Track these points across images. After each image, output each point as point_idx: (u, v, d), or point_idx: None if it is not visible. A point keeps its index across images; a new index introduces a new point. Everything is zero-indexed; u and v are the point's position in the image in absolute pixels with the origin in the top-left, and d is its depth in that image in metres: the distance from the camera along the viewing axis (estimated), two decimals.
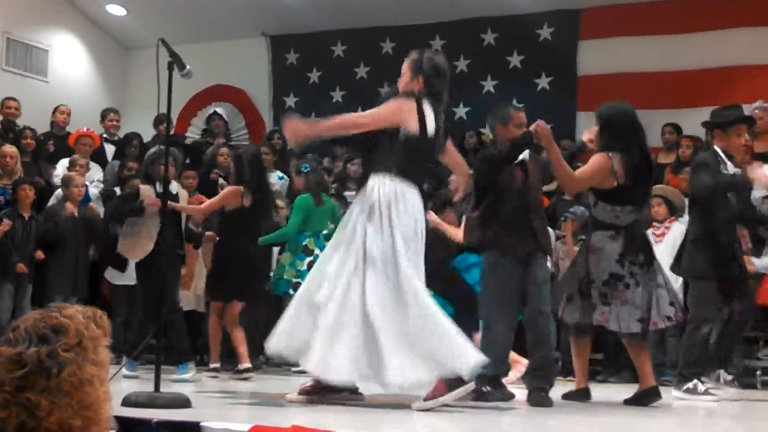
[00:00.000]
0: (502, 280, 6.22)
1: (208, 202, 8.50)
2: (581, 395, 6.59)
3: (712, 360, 7.20)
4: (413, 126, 5.47)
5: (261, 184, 8.49)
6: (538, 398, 6.13)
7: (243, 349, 8.28)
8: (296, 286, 8.64)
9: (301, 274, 8.76)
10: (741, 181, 7.11)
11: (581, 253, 6.52)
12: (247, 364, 8.20)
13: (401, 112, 5.49)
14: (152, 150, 8.65)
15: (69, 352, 2.05)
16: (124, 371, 7.54)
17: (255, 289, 8.66)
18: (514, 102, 12.68)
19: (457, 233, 7.99)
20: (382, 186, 5.45)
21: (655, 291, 6.32)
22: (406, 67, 5.74)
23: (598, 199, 6.36)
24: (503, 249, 6.24)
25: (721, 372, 7.29)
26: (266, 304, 9.76)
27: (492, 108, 6.87)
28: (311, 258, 8.90)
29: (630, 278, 6.23)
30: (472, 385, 5.35)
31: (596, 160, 6.33)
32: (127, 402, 4.86)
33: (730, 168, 7.24)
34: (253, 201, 8.30)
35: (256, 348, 9.65)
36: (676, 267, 7.38)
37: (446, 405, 5.31)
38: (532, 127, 6.21)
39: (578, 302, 6.36)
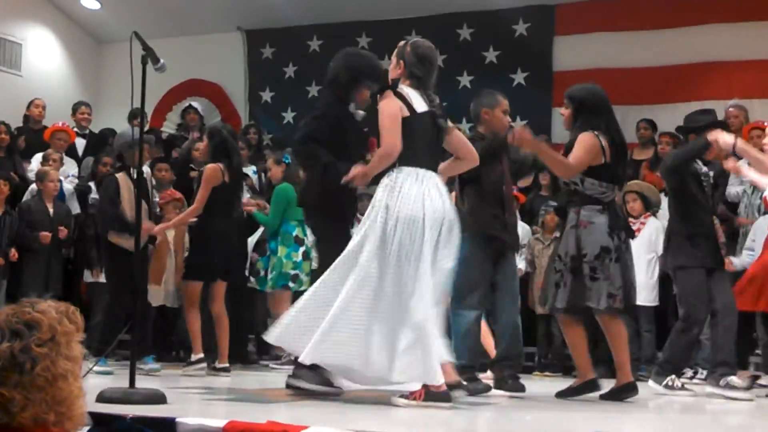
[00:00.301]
0: (474, 272, 6.35)
1: (197, 198, 8.16)
2: (589, 387, 6.44)
3: (724, 364, 7.19)
4: (404, 111, 5.48)
5: (236, 161, 8.40)
6: (515, 384, 6.49)
7: (225, 344, 8.19)
8: (294, 278, 8.68)
9: (298, 265, 8.76)
10: (704, 143, 7.10)
11: (571, 232, 6.34)
12: (225, 364, 8.14)
13: (395, 113, 5.46)
14: (125, 133, 8.47)
15: (42, 347, 2.03)
16: (96, 368, 7.48)
17: (237, 269, 8.56)
18: None
19: None
20: (386, 180, 5.45)
21: (629, 269, 6.33)
22: (393, 54, 5.79)
23: (585, 176, 6.31)
24: (479, 242, 6.37)
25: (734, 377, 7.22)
26: (251, 298, 9.75)
27: (477, 95, 7.02)
28: (304, 248, 8.89)
29: (614, 253, 6.24)
30: (448, 406, 5.32)
31: (585, 139, 6.31)
32: (102, 398, 4.83)
33: (704, 168, 7.38)
34: (230, 177, 8.18)
35: (240, 343, 9.62)
36: (663, 262, 7.49)
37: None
38: (509, 138, 6.28)
39: (570, 282, 6.27)
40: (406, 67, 5.63)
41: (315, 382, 5.70)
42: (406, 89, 5.54)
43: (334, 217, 6.03)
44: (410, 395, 5.29)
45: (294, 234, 8.93)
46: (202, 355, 8.15)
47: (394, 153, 5.40)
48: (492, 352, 7.69)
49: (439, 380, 5.22)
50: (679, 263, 7.26)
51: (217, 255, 8.11)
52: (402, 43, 5.78)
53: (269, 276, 9.04)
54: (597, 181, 6.29)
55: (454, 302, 6.49)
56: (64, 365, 2.07)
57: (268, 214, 9.23)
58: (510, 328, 6.64)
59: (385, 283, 5.27)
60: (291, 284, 8.77)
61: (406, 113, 5.46)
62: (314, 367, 5.61)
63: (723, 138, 6.87)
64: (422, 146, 5.50)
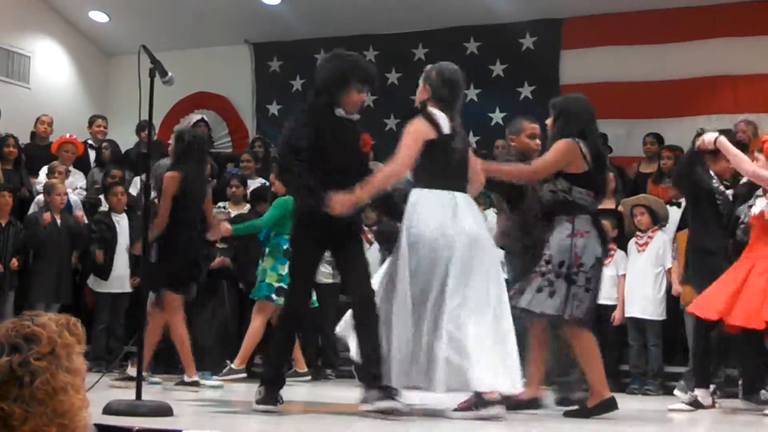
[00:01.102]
0: None
1: (160, 209, 7.88)
2: (608, 406, 6.08)
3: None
4: (431, 134, 5.55)
5: (201, 168, 8.27)
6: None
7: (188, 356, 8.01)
8: (279, 291, 8.55)
9: (283, 278, 8.60)
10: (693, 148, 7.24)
11: (566, 240, 6.04)
12: (194, 378, 7.92)
13: (418, 135, 5.55)
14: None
15: (41, 361, 2.03)
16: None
17: (193, 278, 8.37)
18: (497, 111, 12.76)
19: None
20: (408, 205, 5.54)
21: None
22: (420, 79, 5.90)
23: (572, 184, 6.12)
24: (532, 256, 6.34)
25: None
26: (239, 307, 9.76)
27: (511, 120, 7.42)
28: None
29: (600, 264, 6.14)
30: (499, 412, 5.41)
31: (561, 145, 6.13)
32: (108, 410, 4.83)
33: (721, 187, 7.43)
34: (191, 184, 7.95)
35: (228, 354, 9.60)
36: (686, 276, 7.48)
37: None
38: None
39: (563, 291, 5.97)
40: (432, 91, 5.73)
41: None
42: (435, 111, 5.64)
43: (304, 238, 5.79)
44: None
45: (285, 247, 8.65)
46: (196, 378, 7.91)
47: (401, 174, 5.50)
48: None
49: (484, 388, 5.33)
50: (704, 279, 7.21)
51: (182, 265, 7.93)
52: (428, 67, 5.88)
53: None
54: (584, 189, 6.12)
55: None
56: (64, 378, 2.07)
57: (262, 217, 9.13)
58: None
59: (408, 300, 5.41)
60: (275, 297, 8.51)
61: (433, 136, 5.55)
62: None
63: (705, 136, 6.94)
64: (446, 168, 5.57)
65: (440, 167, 5.55)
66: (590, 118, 6.35)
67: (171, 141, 9.16)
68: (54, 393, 2.04)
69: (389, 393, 5.42)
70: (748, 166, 6.77)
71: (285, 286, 8.45)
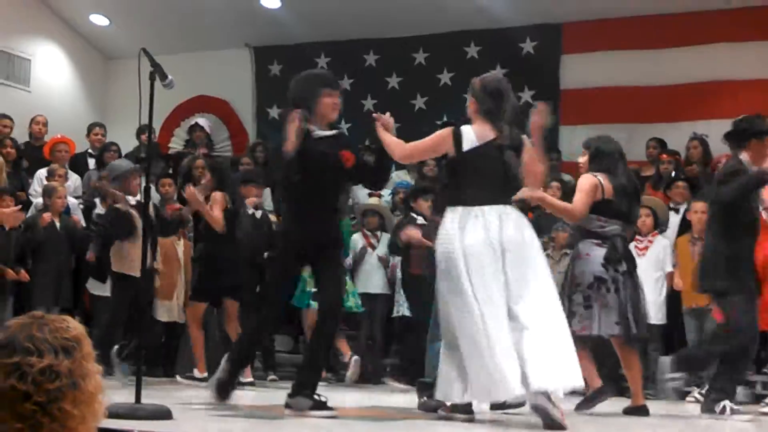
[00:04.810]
0: None
1: (216, 210, 8.29)
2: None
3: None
4: (451, 150, 5.63)
5: (235, 195, 8.58)
6: None
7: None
8: (314, 296, 8.60)
9: None
10: (761, 178, 6.78)
11: (570, 263, 6.88)
12: (250, 378, 8.31)
13: (441, 141, 5.70)
14: (114, 166, 8.77)
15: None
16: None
17: (243, 289, 8.59)
18: None
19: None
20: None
21: (630, 299, 6.57)
22: (468, 92, 5.98)
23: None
24: None
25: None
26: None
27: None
28: None
29: (611, 283, 6.52)
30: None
31: (584, 180, 6.76)
32: (107, 413, 4.82)
33: None
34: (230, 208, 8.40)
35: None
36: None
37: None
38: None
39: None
40: (477, 104, 5.80)
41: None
42: (466, 128, 5.69)
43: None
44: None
45: None
46: (206, 374, 8.22)
47: (396, 156, 5.92)
48: None
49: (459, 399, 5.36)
50: (721, 288, 6.87)
51: (220, 276, 8.19)
52: (473, 79, 5.96)
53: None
54: (594, 215, 6.67)
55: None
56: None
57: None
58: None
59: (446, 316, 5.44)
60: (311, 302, 8.69)
61: (453, 153, 5.61)
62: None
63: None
64: (472, 182, 5.56)
65: (455, 185, 5.63)
66: (618, 155, 6.90)
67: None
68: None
69: (321, 404, 5.63)
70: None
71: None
